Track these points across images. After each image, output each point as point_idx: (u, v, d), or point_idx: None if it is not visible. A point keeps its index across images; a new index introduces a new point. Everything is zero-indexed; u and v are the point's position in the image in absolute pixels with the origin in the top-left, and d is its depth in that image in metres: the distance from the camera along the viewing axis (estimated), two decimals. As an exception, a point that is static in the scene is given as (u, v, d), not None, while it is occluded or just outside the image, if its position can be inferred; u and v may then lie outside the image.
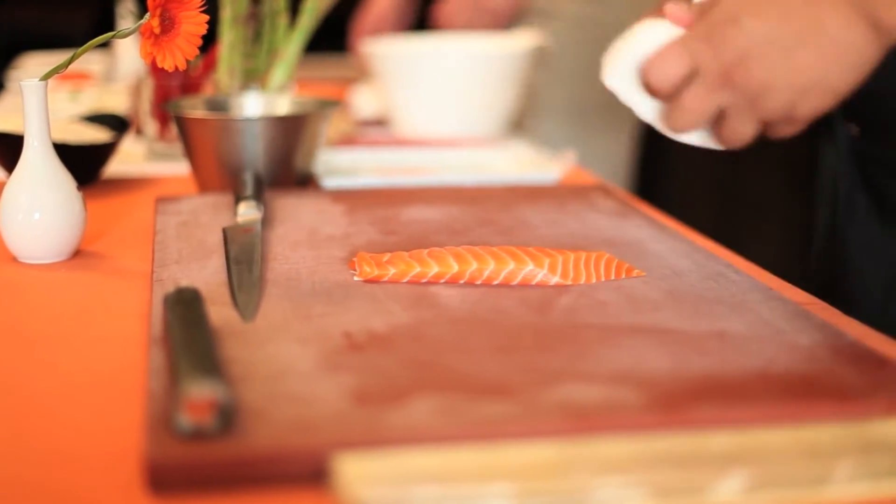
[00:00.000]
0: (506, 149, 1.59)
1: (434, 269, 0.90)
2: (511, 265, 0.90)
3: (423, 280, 0.90)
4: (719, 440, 0.63)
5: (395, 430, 0.63)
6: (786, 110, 0.78)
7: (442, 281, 0.90)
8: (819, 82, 0.77)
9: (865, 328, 0.83)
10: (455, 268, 0.90)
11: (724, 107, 0.80)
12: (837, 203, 1.08)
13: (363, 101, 1.94)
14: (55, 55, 2.26)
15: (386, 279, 0.91)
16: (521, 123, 2.13)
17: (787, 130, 0.81)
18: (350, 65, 2.25)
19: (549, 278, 0.90)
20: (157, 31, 0.93)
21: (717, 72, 0.79)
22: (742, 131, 0.80)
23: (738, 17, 0.78)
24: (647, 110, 0.86)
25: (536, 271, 0.89)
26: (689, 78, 0.80)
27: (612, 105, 2.14)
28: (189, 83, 1.54)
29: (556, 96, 2.18)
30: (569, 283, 0.90)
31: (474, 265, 0.90)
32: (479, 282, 0.90)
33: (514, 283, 0.90)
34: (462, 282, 0.90)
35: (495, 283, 0.90)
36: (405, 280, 0.90)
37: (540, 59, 2.11)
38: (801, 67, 0.76)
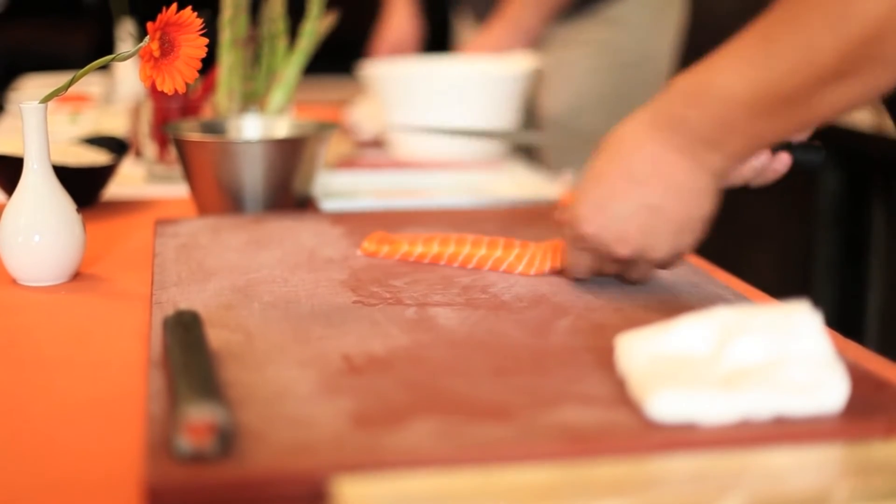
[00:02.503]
0: (504, 171, 1.60)
1: (419, 249, 1.04)
2: (482, 250, 1.02)
3: (411, 258, 1.05)
4: (718, 461, 0.63)
5: (394, 452, 0.63)
6: (671, 251, 0.90)
7: (426, 260, 1.04)
8: (686, 222, 0.89)
9: (864, 350, 0.83)
10: (435, 249, 1.04)
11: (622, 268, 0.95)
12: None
13: (364, 120, 1.95)
14: (55, 77, 2.26)
15: (381, 255, 1.06)
16: (539, 155, 2.11)
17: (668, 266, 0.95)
18: (356, 86, 2.26)
19: (514, 267, 1.01)
20: (156, 54, 0.93)
21: (610, 258, 0.93)
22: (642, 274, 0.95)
23: (606, 205, 0.90)
24: None
25: (504, 258, 1.01)
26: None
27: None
28: (188, 106, 1.54)
29: (579, 125, 2.13)
30: (532, 272, 1.00)
31: (452, 248, 1.03)
32: (455, 264, 1.03)
33: (486, 268, 1.02)
34: (442, 262, 1.03)
35: (470, 266, 1.02)
36: (396, 257, 1.05)
37: (559, 87, 2.10)
38: (669, 217, 0.88)
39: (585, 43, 2.11)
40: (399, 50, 2.40)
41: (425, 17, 2.47)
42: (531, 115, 2.19)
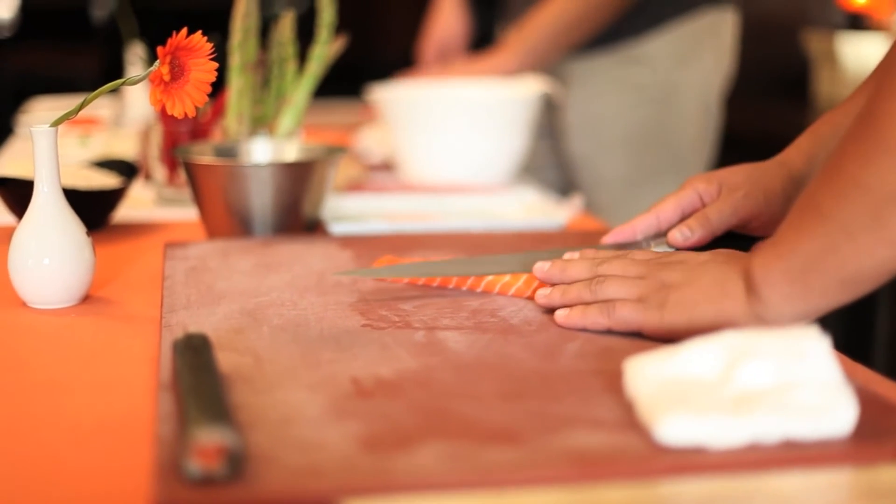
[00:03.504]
0: (513, 194, 1.60)
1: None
2: (489, 276, 1.02)
3: (420, 282, 1.04)
4: (727, 485, 0.63)
5: (403, 476, 0.63)
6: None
7: (435, 284, 1.04)
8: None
9: (873, 374, 0.83)
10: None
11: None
12: None
13: (373, 143, 1.95)
14: (64, 100, 2.27)
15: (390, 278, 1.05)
16: (567, 193, 2.10)
17: None
18: (366, 110, 2.27)
19: (523, 291, 1.01)
20: (166, 78, 0.94)
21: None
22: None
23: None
24: None
25: (513, 282, 1.01)
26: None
27: (669, 173, 2.07)
28: (198, 129, 1.55)
29: (607, 166, 2.10)
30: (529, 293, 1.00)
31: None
32: (464, 288, 1.03)
33: (494, 292, 1.02)
34: (451, 286, 1.03)
35: (478, 290, 1.02)
36: (405, 281, 1.04)
37: (584, 127, 2.09)
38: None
39: (609, 81, 2.08)
40: (447, 48, 2.39)
41: (473, 20, 2.46)
42: (557, 156, 2.18)
